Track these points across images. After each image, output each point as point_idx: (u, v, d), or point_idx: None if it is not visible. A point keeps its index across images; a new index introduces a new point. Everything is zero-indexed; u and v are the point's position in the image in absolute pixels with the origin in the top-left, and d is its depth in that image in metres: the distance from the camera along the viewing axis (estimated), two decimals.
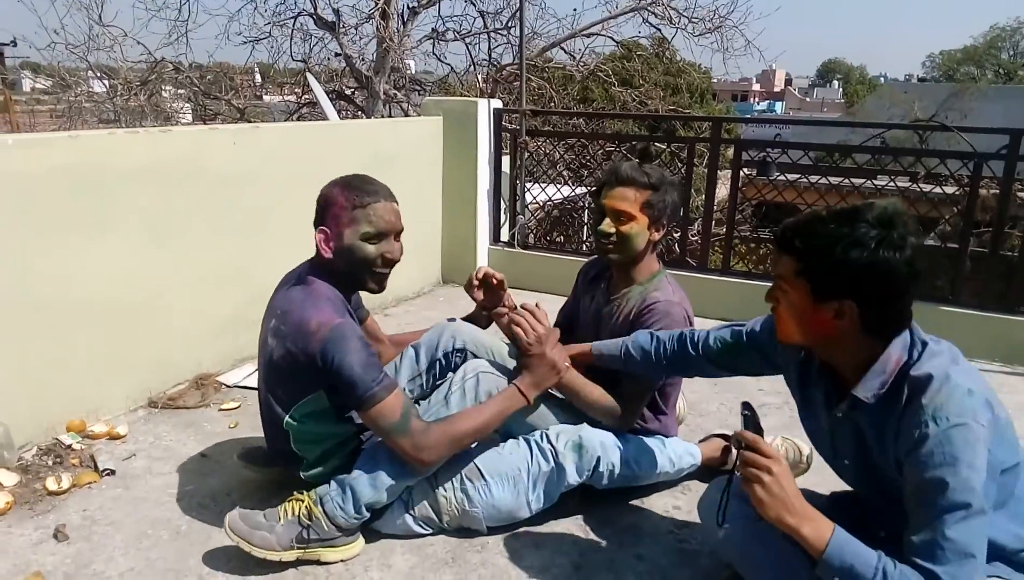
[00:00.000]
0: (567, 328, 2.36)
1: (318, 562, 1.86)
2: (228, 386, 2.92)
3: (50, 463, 2.31)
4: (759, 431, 1.44)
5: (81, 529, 2.01)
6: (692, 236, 4.49)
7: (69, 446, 2.39)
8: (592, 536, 2.03)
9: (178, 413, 2.70)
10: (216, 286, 2.98)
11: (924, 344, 1.37)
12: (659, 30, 9.67)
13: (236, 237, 3.04)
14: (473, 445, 1.97)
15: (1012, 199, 3.47)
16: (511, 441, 2.06)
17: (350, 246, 1.90)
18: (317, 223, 1.93)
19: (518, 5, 5.61)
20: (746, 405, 1.50)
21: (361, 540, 1.93)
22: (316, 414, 1.89)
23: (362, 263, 1.91)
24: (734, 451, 1.55)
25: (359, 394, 1.77)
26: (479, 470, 1.97)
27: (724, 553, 1.76)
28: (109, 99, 9.33)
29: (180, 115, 10.39)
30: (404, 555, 1.93)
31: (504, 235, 4.63)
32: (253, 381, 2.95)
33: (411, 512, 1.97)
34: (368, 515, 1.90)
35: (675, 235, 4.44)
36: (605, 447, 2.02)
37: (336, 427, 1.93)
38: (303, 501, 1.87)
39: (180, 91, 10.37)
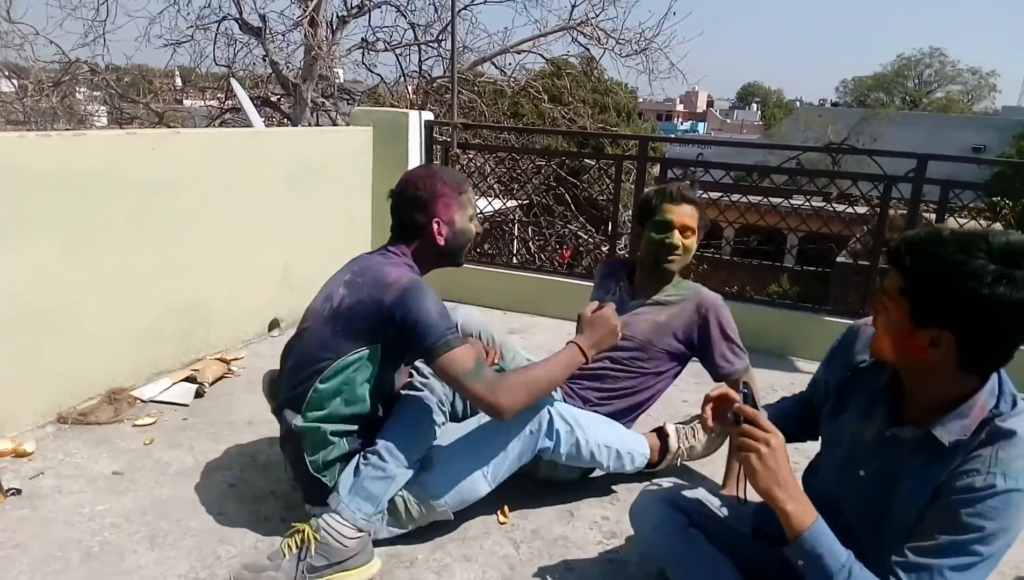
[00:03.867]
0: None
1: None
2: (143, 401, 2.80)
3: None
4: (756, 408, 1.45)
5: None
6: (619, 250, 4.58)
7: None
8: (522, 548, 2.03)
9: (90, 429, 2.57)
10: (132, 297, 2.86)
11: (1014, 399, 1.31)
12: (588, 49, 9.89)
13: (154, 246, 2.93)
14: (433, 440, 1.98)
15: (919, 219, 3.66)
16: (461, 423, 2.08)
17: (463, 229, 2.08)
18: (418, 215, 2.01)
19: (449, 19, 5.63)
20: (745, 384, 1.52)
21: (378, 560, 1.88)
22: (353, 375, 1.87)
23: (468, 241, 2.12)
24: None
25: (433, 340, 1.81)
26: (429, 459, 1.96)
27: (656, 559, 1.78)
28: (18, 99, 8.89)
29: (95, 118, 9.99)
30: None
31: None
32: (169, 395, 2.84)
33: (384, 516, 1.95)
34: (384, 509, 1.89)
35: (603, 249, 4.51)
36: (554, 404, 2.07)
37: (362, 400, 1.90)
38: (301, 531, 1.81)
39: (96, 93, 9.98)
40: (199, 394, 2.90)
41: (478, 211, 2.35)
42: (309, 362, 1.91)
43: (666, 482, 1.83)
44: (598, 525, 2.17)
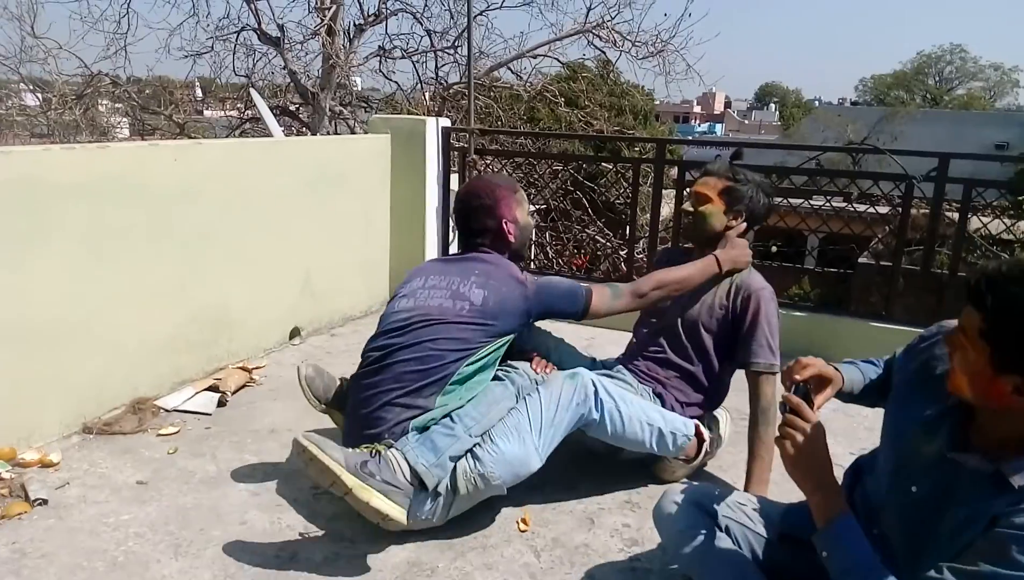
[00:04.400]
0: None
1: (367, 506, 1.83)
2: (167, 410, 2.83)
3: None
4: (808, 401, 1.45)
5: (10, 563, 1.91)
6: (638, 254, 4.56)
7: None
8: (543, 557, 2.03)
9: (114, 439, 2.60)
10: (155, 306, 2.89)
11: None
12: (603, 52, 9.85)
13: (176, 256, 2.96)
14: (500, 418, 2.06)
15: (941, 219, 3.61)
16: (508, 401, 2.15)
17: (526, 224, 2.37)
18: (488, 220, 2.28)
19: (465, 25, 5.65)
20: (806, 383, 1.53)
21: (405, 517, 1.89)
22: (497, 354, 2.18)
23: (530, 234, 2.42)
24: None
25: (578, 303, 2.23)
26: (487, 435, 2.01)
27: (680, 562, 1.75)
28: (42, 112, 9.03)
29: (117, 130, 10.12)
30: None
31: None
32: (192, 405, 2.87)
33: (436, 491, 1.98)
34: (444, 474, 1.95)
35: (621, 254, 4.49)
36: (595, 379, 2.13)
37: (492, 366, 2.21)
38: (373, 446, 1.94)
39: (118, 105, 10.10)
40: (222, 403, 2.92)
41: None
42: (450, 351, 2.09)
43: (686, 484, 1.79)
44: (619, 532, 2.15)
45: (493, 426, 2.04)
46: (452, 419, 2.02)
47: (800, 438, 1.37)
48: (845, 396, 1.69)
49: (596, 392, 2.10)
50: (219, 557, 1.96)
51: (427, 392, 2.06)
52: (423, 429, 2.02)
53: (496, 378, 2.22)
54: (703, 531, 1.65)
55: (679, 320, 2.42)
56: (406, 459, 1.93)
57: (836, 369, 1.64)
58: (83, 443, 2.57)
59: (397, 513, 1.86)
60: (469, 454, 1.99)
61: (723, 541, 1.63)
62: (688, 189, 2.59)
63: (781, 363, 2.29)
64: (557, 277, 2.23)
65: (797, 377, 1.53)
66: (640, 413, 2.18)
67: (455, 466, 1.98)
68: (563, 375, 2.12)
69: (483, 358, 2.13)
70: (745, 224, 2.42)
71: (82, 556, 1.95)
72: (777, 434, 1.41)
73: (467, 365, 2.09)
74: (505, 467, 1.99)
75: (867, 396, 1.72)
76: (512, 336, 2.20)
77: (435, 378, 2.06)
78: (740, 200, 2.37)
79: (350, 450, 1.90)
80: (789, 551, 1.59)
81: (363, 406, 2.10)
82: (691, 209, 2.43)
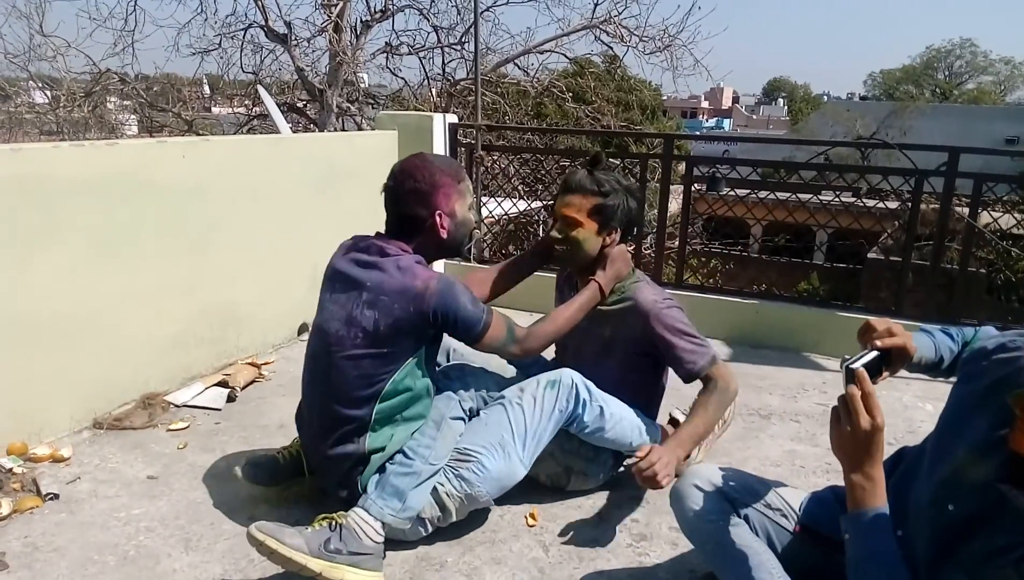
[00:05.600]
0: None
1: None
2: (177, 406, 2.85)
3: None
4: (878, 371, 1.39)
5: (22, 557, 1.93)
6: (645, 249, 4.55)
7: (10, 470, 2.30)
8: (552, 552, 2.03)
9: (124, 434, 2.62)
10: (164, 302, 2.91)
11: None
12: (611, 48, 9.85)
13: (185, 251, 2.98)
14: (459, 434, 2.03)
15: (951, 214, 3.60)
16: (485, 410, 2.10)
17: (464, 219, 2.04)
18: (419, 209, 1.97)
19: (472, 21, 5.64)
20: (878, 349, 1.43)
21: (382, 576, 1.85)
22: (411, 382, 1.93)
23: (468, 232, 2.08)
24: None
25: (474, 329, 1.94)
26: (466, 451, 1.98)
27: (697, 546, 1.73)
28: (51, 110, 9.07)
29: (125, 127, 10.17)
30: None
31: None
32: (203, 400, 2.88)
33: (420, 517, 1.96)
34: (415, 511, 1.91)
35: (630, 249, 4.49)
36: (577, 379, 2.09)
37: (423, 395, 1.99)
38: (332, 517, 1.85)
39: (126, 102, 10.15)
40: (231, 398, 2.93)
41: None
42: (357, 388, 1.90)
43: (706, 467, 1.75)
44: (627, 528, 2.15)
45: (471, 442, 1.99)
46: (407, 455, 1.92)
47: (846, 428, 1.29)
48: (911, 366, 1.59)
49: (577, 393, 2.07)
50: (229, 551, 1.97)
51: (354, 435, 1.92)
52: (380, 468, 1.93)
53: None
54: (721, 517, 1.61)
55: (584, 356, 2.30)
56: (371, 514, 1.84)
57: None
58: (94, 438, 2.59)
59: (374, 578, 1.82)
60: (453, 475, 1.96)
61: (741, 528, 1.60)
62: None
63: (709, 348, 2.22)
64: (469, 295, 1.94)
65: (879, 343, 1.44)
66: (614, 408, 2.16)
67: (436, 489, 1.94)
68: (544, 382, 2.07)
69: (398, 385, 1.92)
70: (619, 236, 2.22)
71: (93, 550, 1.97)
72: (838, 402, 1.33)
73: (381, 402, 1.90)
74: (492, 483, 1.99)
75: (933, 370, 1.64)
76: (422, 347, 1.95)
77: (356, 421, 1.91)
78: (612, 216, 2.15)
79: (309, 530, 1.79)
80: (809, 544, 1.57)
81: (312, 452, 2.07)
82: (560, 235, 2.18)
